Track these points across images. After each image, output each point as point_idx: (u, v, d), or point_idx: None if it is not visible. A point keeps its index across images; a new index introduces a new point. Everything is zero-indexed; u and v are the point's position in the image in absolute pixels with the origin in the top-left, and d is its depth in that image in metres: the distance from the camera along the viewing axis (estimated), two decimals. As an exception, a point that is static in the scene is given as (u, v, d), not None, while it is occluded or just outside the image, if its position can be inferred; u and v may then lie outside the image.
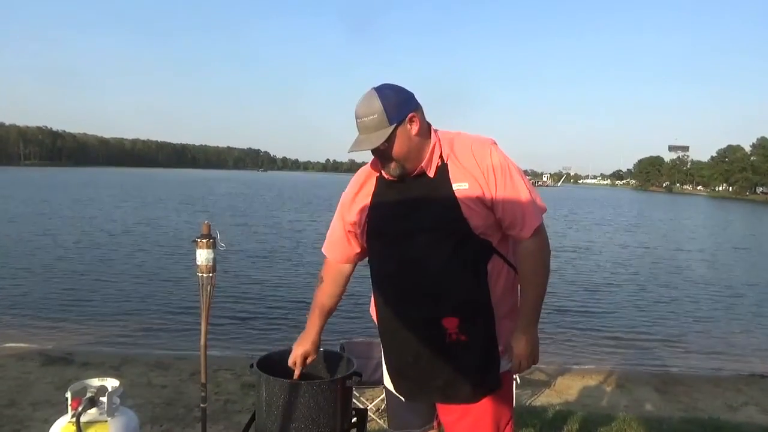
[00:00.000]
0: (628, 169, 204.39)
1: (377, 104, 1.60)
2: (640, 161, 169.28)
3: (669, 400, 5.60)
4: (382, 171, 1.73)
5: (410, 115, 1.63)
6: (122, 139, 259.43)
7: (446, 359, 1.70)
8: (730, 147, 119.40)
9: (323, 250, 1.97)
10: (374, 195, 1.77)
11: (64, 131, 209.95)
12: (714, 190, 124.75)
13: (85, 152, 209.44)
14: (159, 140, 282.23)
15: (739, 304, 11.25)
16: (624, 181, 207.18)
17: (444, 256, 1.65)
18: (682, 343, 8.35)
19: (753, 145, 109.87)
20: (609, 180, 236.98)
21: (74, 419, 1.77)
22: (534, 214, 1.69)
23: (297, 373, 1.88)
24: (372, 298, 1.88)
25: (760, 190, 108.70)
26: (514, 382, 4.61)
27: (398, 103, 1.62)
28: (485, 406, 1.75)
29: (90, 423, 1.82)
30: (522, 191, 1.68)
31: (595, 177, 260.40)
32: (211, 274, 2.45)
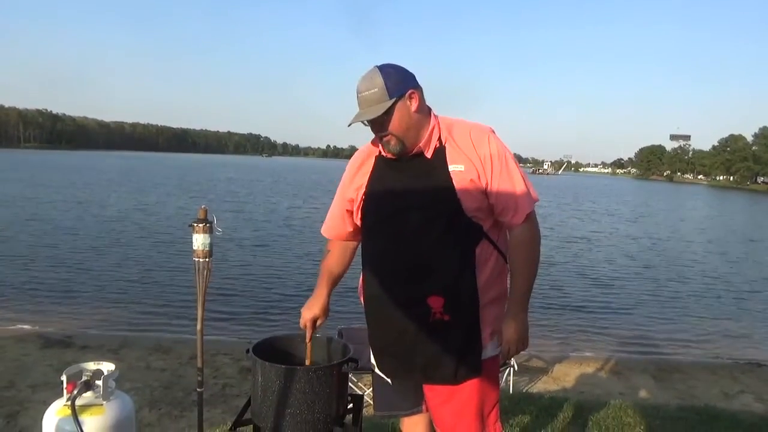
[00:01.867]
0: (629, 158, 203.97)
1: (378, 79, 1.65)
2: (642, 150, 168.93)
3: (665, 387, 5.63)
4: (381, 148, 1.76)
5: (410, 91, 1.68)
6: (122, 122, 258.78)
7: (428, 338, 1.72)
8: (731, 136, 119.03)
9: (322, 231, 2.01)
10: (372, 173, 1.81)
11: (64, 114, 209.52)
12: (715, 179, 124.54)
13: (85, 135, 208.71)
14: (159, 124, 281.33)
15: (738, 293, 11.27)
16: (625, 170, 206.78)
17: (434, 235, 1.69)
18: (680, 331, 8.38)
19: (755, 135, 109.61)
20: (610, 168, 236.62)
21: (69, 402, 1.77)
22: (527, 202, 1.74)
23: (308, 335, 1.94)
24: (361, 278, 1.89)
25: (761, 180, 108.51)
26: (512, 368, 4.65)
27: (399, 80, 1.68)
28: (470, 390, 1.77)
29: (85, 406, 1.82)
30: (516, 179, 1.73)
31: (596, 165, 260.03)
32: (207, 259, 2.43)
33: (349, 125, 1.69)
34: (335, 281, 2.00)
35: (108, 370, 1.91)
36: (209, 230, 2.44)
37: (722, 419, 3.96)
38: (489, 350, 1.78)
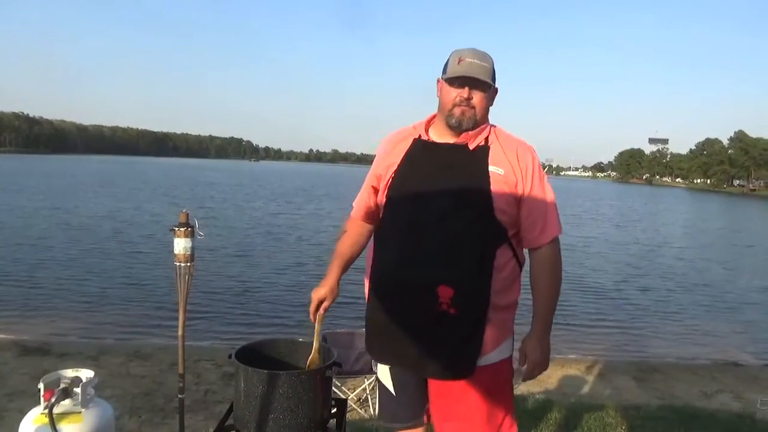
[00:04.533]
0: (609, 162, 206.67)
1: (491, 61, 1.76)
2: (621, 153, 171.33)
3: (646, 388, 5.70)
4: (424, 130, 1.81)
5: (496, 88, 1.79)
6: (101, 126, 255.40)
7: (429, 328, 1.68)
8: (708, 140, 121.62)
9: (354, 202, 1.98)
10: (407, 154, 1.80)
11: (42, 117, 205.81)
12: (692, 182, 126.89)
13: (63, 139, 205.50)
14: (139, 128, 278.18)
15: (718, 295, 11.47)
16: (605, 174, 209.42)
17: (458, 225, 1.67)
18: (660, 332, 8.50)
19: (731, 139, 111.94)
20: (590, 172, 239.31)
21: (47, 410, 1.73)
22: (556, 225, 1.79)
23: (312, 313, 1.90)
24: (371, 253, 1.85)
25: (737, 182, 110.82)
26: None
27: (494, 73, 1.78)
28: (478, 397, 1.71)
29: (63, 414, 1.78)
30: (550, 202, 1.78)
31: (576, 169, 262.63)
32: (189, 264, 2.41)
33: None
34: (347, 264, 1.94)
35: (86, 377, 1.87)
36: (191, 234, 2.42)
37: (701, 418, 4.03)
38: (495, 355, 1.73)
